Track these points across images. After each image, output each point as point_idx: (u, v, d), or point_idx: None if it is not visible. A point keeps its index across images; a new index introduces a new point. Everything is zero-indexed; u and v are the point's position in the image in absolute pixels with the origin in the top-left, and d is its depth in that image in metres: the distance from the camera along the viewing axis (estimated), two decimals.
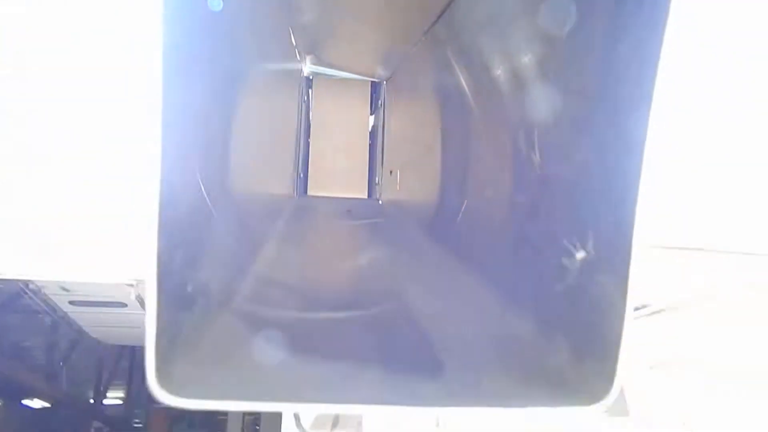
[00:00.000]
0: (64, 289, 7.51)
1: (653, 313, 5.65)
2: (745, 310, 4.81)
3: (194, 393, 0.46)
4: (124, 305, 8.23)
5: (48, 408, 11.22)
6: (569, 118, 0.64)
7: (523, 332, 0.52)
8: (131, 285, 6.15)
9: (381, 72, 1.16)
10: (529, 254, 0.59)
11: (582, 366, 0.48)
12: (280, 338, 0.53)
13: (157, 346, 0.44)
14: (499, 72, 0.79)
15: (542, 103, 0.74)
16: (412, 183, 0.84)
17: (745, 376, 4.75)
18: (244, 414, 13.60)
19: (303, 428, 1.12)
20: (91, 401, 13.21)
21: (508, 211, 0.65)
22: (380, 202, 0.86)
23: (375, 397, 0.45)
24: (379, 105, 1.16)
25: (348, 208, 0.82)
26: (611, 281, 0.49)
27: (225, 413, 8.77)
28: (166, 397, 0.44)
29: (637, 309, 4.86)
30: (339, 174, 0.79)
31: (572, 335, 0.52)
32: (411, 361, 0.51)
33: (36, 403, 10.89)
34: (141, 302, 8.66)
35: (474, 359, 0.52)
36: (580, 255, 0.54)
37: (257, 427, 13.64)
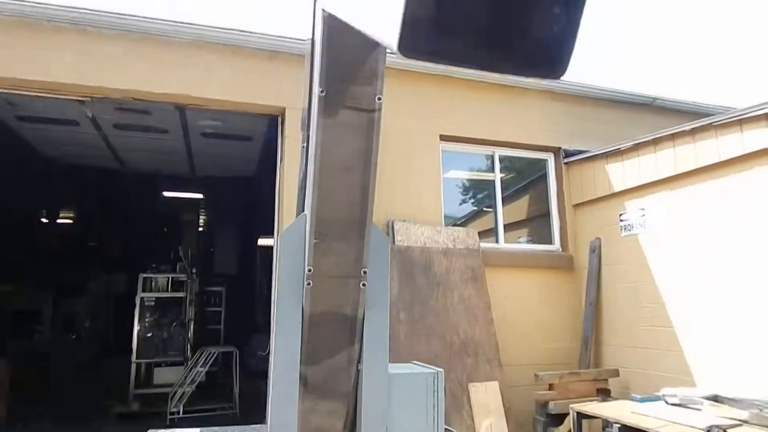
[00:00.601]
0: (9, 103, 7.07)
1: (591, 156, 6.14)
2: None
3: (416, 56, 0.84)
4: (77, 123, 7.89)
5: None
6: None
7: (520, 52, 0.95)
8: (82, 102, 5.90)
9: None
10: (518, 21, 0.96)
11: (554, 65, 0.94)
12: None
13: (402, 29, 0.77)
14: None
15: None
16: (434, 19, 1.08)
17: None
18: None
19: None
20: (44, 220, 13.30)
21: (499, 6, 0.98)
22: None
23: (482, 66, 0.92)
24: None
25: None
26: (571, 22, 0.93)
27: None
28: (401, 55, 0.79)
29: (572, 154, 5.29)
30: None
31: (550, 51, 0.95)
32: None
33: None
34: (94, 122, 8.22)
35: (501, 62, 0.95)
36: (555, 10, 0.94)
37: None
